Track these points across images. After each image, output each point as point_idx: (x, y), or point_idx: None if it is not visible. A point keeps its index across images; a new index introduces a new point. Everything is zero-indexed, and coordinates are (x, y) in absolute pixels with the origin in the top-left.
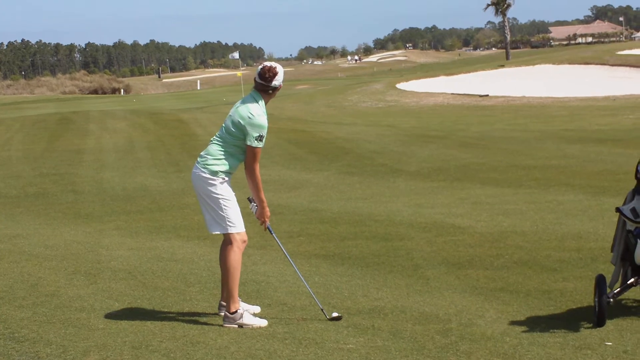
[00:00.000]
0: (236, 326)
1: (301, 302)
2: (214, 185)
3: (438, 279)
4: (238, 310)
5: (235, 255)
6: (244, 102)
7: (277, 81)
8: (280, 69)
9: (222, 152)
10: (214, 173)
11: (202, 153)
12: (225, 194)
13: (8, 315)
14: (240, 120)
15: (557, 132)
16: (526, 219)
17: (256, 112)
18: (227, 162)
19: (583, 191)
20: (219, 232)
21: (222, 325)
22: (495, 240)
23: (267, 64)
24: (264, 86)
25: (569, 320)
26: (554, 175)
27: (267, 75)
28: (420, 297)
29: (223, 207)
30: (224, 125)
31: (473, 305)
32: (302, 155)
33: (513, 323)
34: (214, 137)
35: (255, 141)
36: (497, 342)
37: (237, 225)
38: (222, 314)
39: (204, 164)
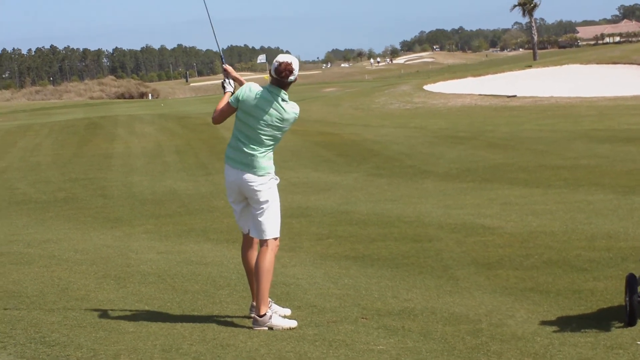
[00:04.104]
0: (266, 328)
1: (331, 304)
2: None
3: (468, 279)
4: (267, 313)
5: (272, 258)
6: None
7: (294, 76)
8: (295, 64)
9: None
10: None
11: None
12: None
13: (39, 320)
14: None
15: (585, 132)
16: (556, 219)
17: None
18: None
19: (612, 191)
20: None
21: (252, 328)
22: (524, 241)
23: (282, 59)
24: (280, 82)
25: (600, 320)
26: (583, 175)
27: (283, 74)
28: (450, 298)
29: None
30: (257, 123)
31: (503, 305)
32: (330, 157)
33: (544, 323)
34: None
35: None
36: (528, 342)
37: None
38: (253, 315)
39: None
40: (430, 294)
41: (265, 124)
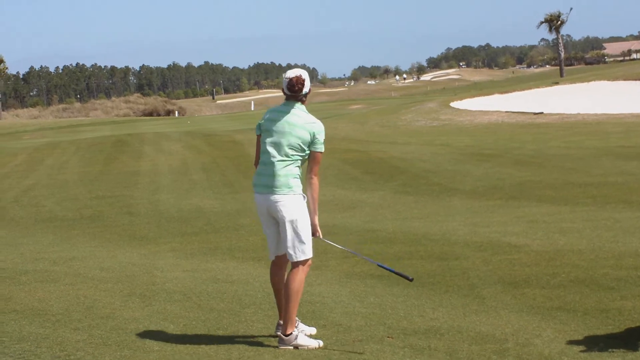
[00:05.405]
0: (292, 347)
1: (357, 322)
2: None
3: (494, 298)
4: (293, 332)
5: (303, 279)
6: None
7: (307, 87)
8: (305, 75)
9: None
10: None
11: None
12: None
13: (64, 338)
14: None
15: (613, 148)
16: (583, 237)
17: (308, 117)
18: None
19: None
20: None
21: (277, 347)
22: (551, 259)
23: (292, 75)
24: (294, 97)
25: (628, 340)
26: (611, 193)
27: (296, 87)
28: (477, 317)
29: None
30: (270, 136)
31: (530, 324)
32: (357, 175)
33: (571, 342)
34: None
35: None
36: None
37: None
38: (279, 333)
39: None
40: (456, 312)
41: (278, 134)
